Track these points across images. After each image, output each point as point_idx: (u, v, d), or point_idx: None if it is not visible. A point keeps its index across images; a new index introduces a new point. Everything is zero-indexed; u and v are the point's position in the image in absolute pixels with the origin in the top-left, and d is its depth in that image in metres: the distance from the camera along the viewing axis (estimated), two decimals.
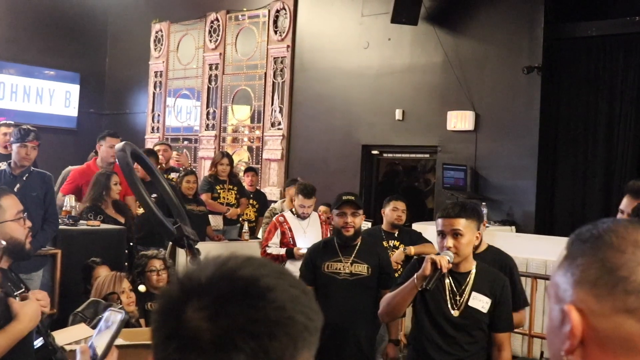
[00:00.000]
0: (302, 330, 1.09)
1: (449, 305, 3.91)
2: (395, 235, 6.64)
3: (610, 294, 1.10)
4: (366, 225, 8.29)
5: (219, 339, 1.05)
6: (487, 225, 6.45)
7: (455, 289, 3.91)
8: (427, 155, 11.17)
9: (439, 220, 3.88)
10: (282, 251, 7.08)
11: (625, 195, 3.92)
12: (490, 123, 10.06)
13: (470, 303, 3.90)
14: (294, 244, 7.08)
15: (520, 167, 9.74)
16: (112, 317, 1.99)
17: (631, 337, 1.09)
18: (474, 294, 3.91)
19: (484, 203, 9.35)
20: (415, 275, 3.79)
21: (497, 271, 4.20)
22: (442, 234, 3.86)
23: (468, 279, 3.93)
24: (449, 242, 3.81)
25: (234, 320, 1.06)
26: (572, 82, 9.74)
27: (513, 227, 9.52)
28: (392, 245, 6.52)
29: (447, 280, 3.91)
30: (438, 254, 3.88)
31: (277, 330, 1.06)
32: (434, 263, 3.71)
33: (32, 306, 2.73)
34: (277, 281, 1.11)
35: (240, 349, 1.04)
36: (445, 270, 3.75)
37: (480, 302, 3.90)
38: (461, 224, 3.81)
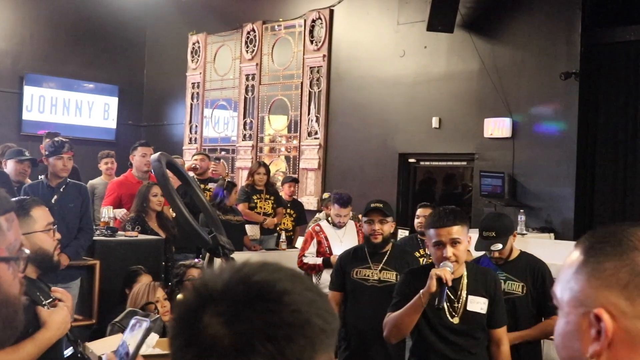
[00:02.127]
0: (319, 333, 1.10)
1: (448, 314, 3.83)
2: None
3: None
4: (404, 233, 8.27)
5: (237, 344, 1.06)
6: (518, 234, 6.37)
7: (451, 296, 3.83)
8: (465, 163, 11.09)
9: (433, 231, 3.77)
10: (319, 260, 7.08)
11: None
12: (528, 130, 9.96)
13: (468, 307, 3.84)
14: (331, 253, 7.07)
15: (558, 174, 9.63)
16: (138, 324, 1.99)
17: None
18: (470, 297, 3.85)
19: (522, 210, 9.27)
20: (420, 293, 3.69)
21: (486, 268, 4.17)
22: (439, 244, 3.75)
23: (461, 284, 3.87)
24: (449, 251, 3.72)
25: (251, 324, 1.06)
26: (610, 87, 9.61)
27: (552, 234, 9.41)
28: (428, 252, 6.48)
29: None
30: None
31: (294, 333, 1.07)
32: (439, 279, 3.63)
33: (60, 314, 2.74)
34: (292, 285, 1.11)
35: (259, 353, 1.05)
36: (450, 283, 3.66)
37: (478, 304, 3.85)
38: (458, 231, 3.75)
